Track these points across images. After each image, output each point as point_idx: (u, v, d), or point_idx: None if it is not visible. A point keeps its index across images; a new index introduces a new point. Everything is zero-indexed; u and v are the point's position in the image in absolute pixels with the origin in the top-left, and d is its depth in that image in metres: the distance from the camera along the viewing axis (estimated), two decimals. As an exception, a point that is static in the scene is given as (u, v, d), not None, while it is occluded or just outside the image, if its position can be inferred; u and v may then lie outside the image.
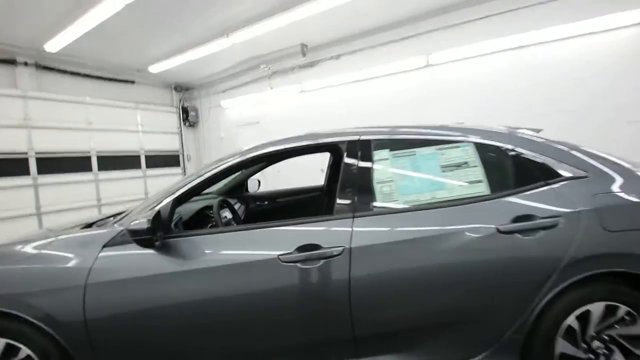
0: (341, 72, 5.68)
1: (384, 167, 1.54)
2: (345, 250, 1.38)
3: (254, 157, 1.63)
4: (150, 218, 1.30)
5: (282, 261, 1.38)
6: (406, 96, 5.16)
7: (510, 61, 4.39)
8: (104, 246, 1.44)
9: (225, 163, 1.61)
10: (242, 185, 3.01)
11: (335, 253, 1.38)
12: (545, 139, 1.62)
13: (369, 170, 1.54)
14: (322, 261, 1.38)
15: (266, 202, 3.06)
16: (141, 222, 1.29)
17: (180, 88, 7.78)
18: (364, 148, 1.58)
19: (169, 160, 7.51)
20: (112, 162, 6.47)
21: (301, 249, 1.40)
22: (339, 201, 1.50)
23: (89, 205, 6.10)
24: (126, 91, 6.86)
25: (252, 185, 3.10)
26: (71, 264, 1.43)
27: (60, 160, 5.76)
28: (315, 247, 1.40)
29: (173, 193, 1.53)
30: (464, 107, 4.64)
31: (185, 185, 1.56)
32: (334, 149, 1.79)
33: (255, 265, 1.39)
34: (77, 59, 5.80)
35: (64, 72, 6.03)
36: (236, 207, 2.70)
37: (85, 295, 1.37)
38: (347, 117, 5.54)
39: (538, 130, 1.82)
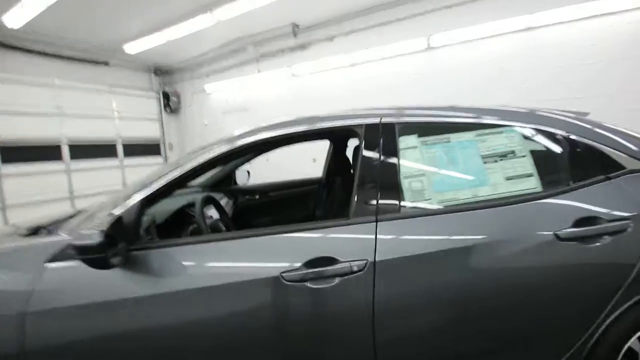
0: (335, 55, 5.29)
1: (412, 158, 1.23)
2: (369, 264, 1.07)
3: (245, 145, 1.28)
4: (105, 228, 0.94)
5: (285, 280, 1.06)
6: (405, 80, 4.84)
7: (515, 44, 4.13)
8: (49, 261, 1.09)
9: (209, 153, 1.26)
10: (229, 177, 2.66)
11: (355, 269, 1.06)
12: (600, 125, 1.34)
13: (394, 162, 1.22)
14: (338, 279, 1.07)
15: (257, 196, 2.72)
16: (91, 234, 0.93)
17: (160, 71, 7.23)
18: (386, 133, 1.25)
19: (148, 149, 7.01)
20: (86, 150, 5.96)
21: (311, 263, 1.08)
22: (357, 200, 1.18)
23: (60, 198, 5.61)
24: (100, 73, 6.28)
25: (240, 177, 2.75)
26: (4, 286, 1.07)
27: (27, 149, 5.23)
28: (329, 260, 1.08)
29: (142, 190, 1.18)
30: (466, 92, 4.36)
31: (159, 180, 1.21)
32: (344, 135, 1.47)
33: (250, 286, 1.07)
34: (44, 36, 5.22)
35: (30, 51, 5.42)
36: (223, 202, 2.35)
37: (25, 327, 1.03)
38: (341, 104, 5.18)
39: (585, 114, 1.54)
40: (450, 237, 1.12)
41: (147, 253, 1.11)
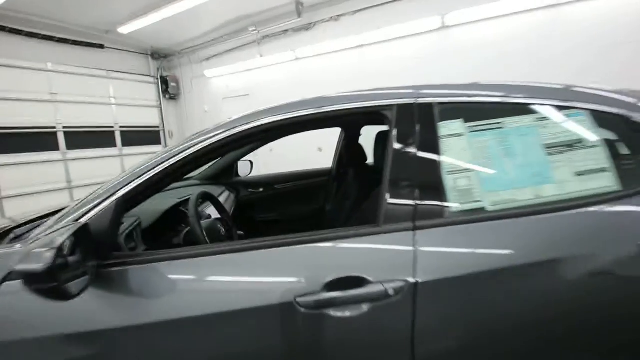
0: (342, 36, 4.97)
1: (457, 148, 0.97)
2: (408, 286, 0.83)
3: (247, 131, 1.04)
4: (58, 245, 0.70)
5: (301, 306, 0.83)
6: (417, 62, 4.52)
7: (541, 21, 3.80)
8: (4, 280, 0.86)
9: (204, 141, 1.01)
10: (230, 168, 2.42)
11: (391, 292, 0.83)
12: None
13: (434, 153, 0.97)
14: (367, 306, 0.84)
15: (261, 189, 2.49)
16: (39, 254, 0.69)
17: (158, 55, 6.90)
18: (424, 117, 1.00)
19: (148, 136, 6.77)
20: (83, 138, 5.76)
21: (333, 285, 0.84)
22: (388, 202, 0.93)
23: (58, 188, 5.45)
24: (95, 57, 5.99)
25: (242, 168, 2.51)
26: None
27: (21, 137, 5.03)
28: (357, 281, 0.85)
29: (121, 187, 0.94)
30: (484, 73, 4.06)
31: (143, 174, 0.97)
32: (364, 120, 1.22)
33: (256, 315, 0.84)
34: (32, 16, 4.92)
35: (18, 32, 5.12)
36: (224, 196, 2.12)
37: None
38: (348, 89, 4.89)
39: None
40: (511, 251, 0.88)
41: (126, 270, 0.88)
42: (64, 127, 5.51)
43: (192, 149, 1.00)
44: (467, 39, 4.21)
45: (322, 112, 1.07)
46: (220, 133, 1.00)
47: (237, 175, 2.49)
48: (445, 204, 0.92)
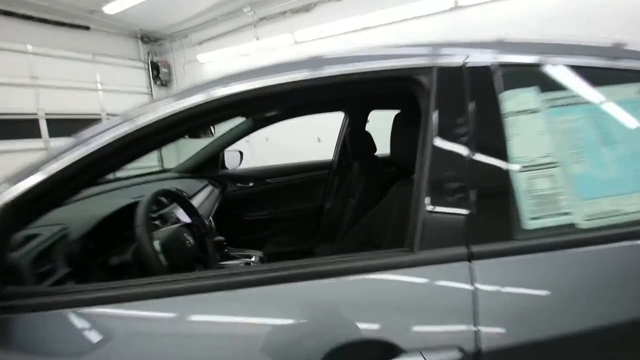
0: (344, 18, 4.60)
1: (531, 131, 0.64)
2: (464, 358, 0.51)
3: (208, 104, 0.69)
4: None
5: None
6: (427, 47, 4.17)
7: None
8: None
9: (138, 119, 0.67)
10: (216, 158, 2.08)
11: (436, 369, 0.51)
12: None
13: (496, 139, 0.63)
14: None
15: (251, 184, 2.16)
16: None
17: (148, 38, 6.49)
18: (479, 85, 0.66)
19: (138, 125, 6.43)
20: (67, 126, 5.39)
21: (340, 354, 0.52)
22: (427, 213, 0.60)
23: (40, 179, 5.11)
24: (80, 39, 5.59)
25: (230, 159, 2.16)
26: None
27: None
28: (379, 348, 0.52)
29: (5, 190, 0.60)
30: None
31: (43, 169, 0.63)
32: (381, 91, 0.87)
33: None
34: (8, -7, 4.53)
35: (-7, 10, 4.74)
36: (206, 191, 1.79)
37: None
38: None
39: None
40: (627, 295, 0.55)
41: (16, 319, 0.55)
42: (47, 114, 5.19)
43: (120, 129, 0.66)
44: (481, 20, 3.86)
45: (318, 77, 0.70)
46: (167, 106, 0.67)
47: (224, 167, 2.15)
48: (517, 219, 0.59)
